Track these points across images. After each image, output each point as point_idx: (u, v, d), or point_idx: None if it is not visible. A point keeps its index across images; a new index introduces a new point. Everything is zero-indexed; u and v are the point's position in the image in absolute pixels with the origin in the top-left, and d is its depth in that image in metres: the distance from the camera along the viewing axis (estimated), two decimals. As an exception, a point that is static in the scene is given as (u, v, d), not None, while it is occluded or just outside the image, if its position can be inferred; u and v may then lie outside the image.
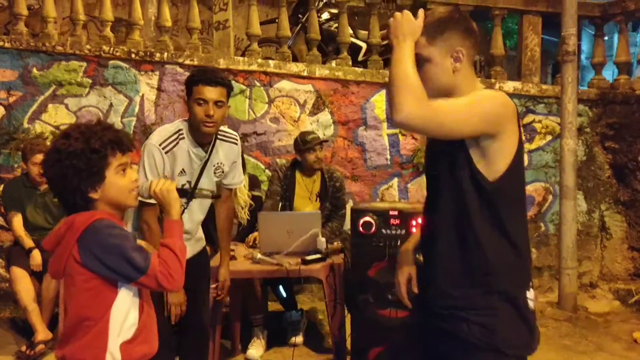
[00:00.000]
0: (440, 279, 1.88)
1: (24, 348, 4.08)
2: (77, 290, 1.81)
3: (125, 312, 1.84)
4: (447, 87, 1.83)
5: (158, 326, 2.85)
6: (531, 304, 1.86)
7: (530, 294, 1.86)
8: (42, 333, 4.06)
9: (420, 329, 2.01)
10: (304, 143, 4.33)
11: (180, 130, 2.86)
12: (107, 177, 1.84)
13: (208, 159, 2.92)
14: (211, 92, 2.76)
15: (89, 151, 1.80)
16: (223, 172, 3.01)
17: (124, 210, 1.99)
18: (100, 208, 1.86)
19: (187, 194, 2.12)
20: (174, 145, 2.81)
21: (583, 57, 11.99)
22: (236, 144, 3.07)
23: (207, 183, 2.94)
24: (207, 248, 3.30)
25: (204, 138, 2.86)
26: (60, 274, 1.85)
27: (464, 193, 1.80)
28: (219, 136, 2.97)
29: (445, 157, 1.84)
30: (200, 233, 3.15)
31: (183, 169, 2.85)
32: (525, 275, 1.89)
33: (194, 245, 3.03)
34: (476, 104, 1.76)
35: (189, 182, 2.87)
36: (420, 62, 1.80)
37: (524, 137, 2.23)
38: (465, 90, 1.83)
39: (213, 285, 3.28)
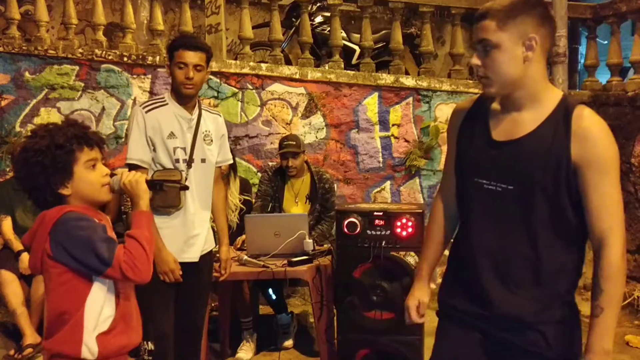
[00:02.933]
0: (513, 292, 1.81)
1: (12, 352, 4.08)
2: (53, 284, 1.84)
3: (100, 305, 1.85)
4: (515, 78, 1.71)
5: (164, 325, 2.89)
6: None
7: None
8: (31, 337, 4.05)
9: (477, 343, 1.90)
10: (279, 148, 4.41)
11: (162, 97, 3.06)
12: (75, 172, 1.84)
13: (198, 126, 3.02)
14: (191, 57, 2.90)
15: (54, 147, 1.81)
16: (212, 140, 3.10)
17: (98, 205, 1.99)
18: (72, 204, 1.87)
19: (156, 185, 2.11)
20: (156, 107, 2.96)
21: (583, 61, 11.92)
22: (220, 116, 3.24)
23: (201, 151, 3.04)
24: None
25: (185, 101, 3.00)
26: (38, 269, 1.87)
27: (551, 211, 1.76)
28: (203, 108, 3.12)
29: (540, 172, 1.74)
30: (210, 234, 3.17)
31: (172, 132, 2.95)
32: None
33: (203, 244, 3.09)
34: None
35: (184, 149, 2.97)
36: (488, 48, 1.70)
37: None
38: (535, 88, 1.73)
39: (216, 265, 3.31)
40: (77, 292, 1.83)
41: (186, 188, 2.76)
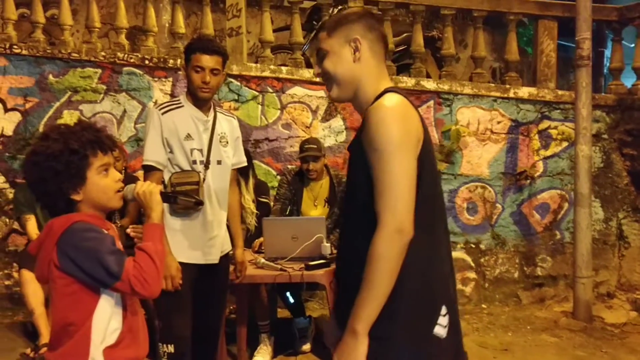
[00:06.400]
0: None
1: (28, 350, 4.12)
2: (59, 295, 1.79)
3: (107, 318, 1.81)
4: (349, 77, 1.84)
5: (182, 328, 2.88)
6: None
7: None
8: (47, 336, 4.08)
9: None
10: (300, 151, 4.40)
11: (178, 99, 3.08)
12: (88, 177, 1.81)
13: (214, 127, 3.05)
14: (208, 60, 2.92)
15: (68, 152, 1.76)
16: (227, 142, 3.12)
17: (108, 211, 1.96)
18: (83, 210, 1.83)
19: (170, 198, 2.10)
20: (172, 109, 2.98)
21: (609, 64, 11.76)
22: (234, 119, 3.26)
23: (218, 153, 3.06)
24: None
25: (201, 103, 3.02)
26: (44, 279, 1.83)
27: None
28: (218, 110, 3.14)
29: None
30: (227, 235, 3.19)
31: (189, 134, 2.97)
32: None
33: (221, 245, 3.11)
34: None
35: (201, 151, 2.99)
36: (323, 54, 1.87)
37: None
38: (368, 88, 1.83)
39: (231, 268, 3.32)
40: (84, 304, 1.78)
41: (201, 204, 2.76)
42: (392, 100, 1.72)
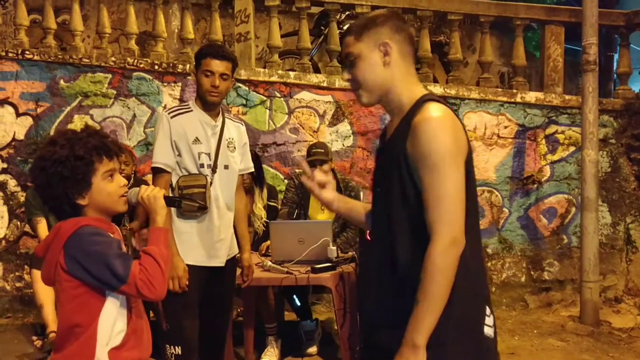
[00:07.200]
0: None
1: (34, 338, 4.21)
2: (66, 297, 1.82)
3: (113, 319, 1.84)
4: (379, 82, 1.81)
5: (189, 330, 2.91)
6: None
7: None
8: (54, 324, 4.10)
9: None
10: (307, 155, 4.44)
11: (187, 104, 3.14)
12: (93, 183, 1.84)
13: (222, 132, 3.09)
14: (218, 65, 2.97)
15: (73, 158, 1.79)
16: (235, 148, 3.16)
17: (114, 215, 1.98)
18: (89, 214, 1.86)
19: (175, 202, 2.13)
20: (181, 113, 3.03)
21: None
22: (242, 125, 3.31)
23: (225, 158, 3.09)
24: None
25: (210, 108, 3.07)
26: (51, 281, 1.86)
27: None
28: (226, 116, 3.19)
29: None
30: (233, 239, 3.22)
31: (197, 138, 3.01)
32: None
33: (228, 249, 3.14)
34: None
35: (208, 155, 3.03)
36: (352, 60, 1.83)
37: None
38: (398, 90, 1.81)
39: (238, 272, 3.35)
40: (90, 306, 1.81)
41: (205, 208, 2.79)
42: (439, 111, 1.70)
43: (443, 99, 1.80)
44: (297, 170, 5.33)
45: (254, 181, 4.46)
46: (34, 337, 4.25)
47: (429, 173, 1.66)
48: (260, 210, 4.47)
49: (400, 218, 1.75)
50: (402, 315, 1.69)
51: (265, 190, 4.59)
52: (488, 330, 1.75)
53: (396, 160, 1.74)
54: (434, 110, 1.70)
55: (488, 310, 1.77)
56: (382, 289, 1.82)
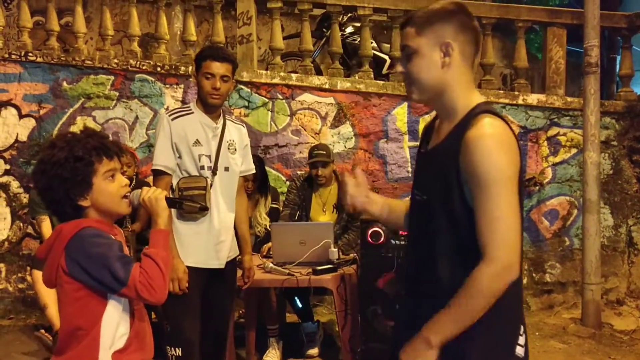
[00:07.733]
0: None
1: (42, 332, 4.26)
2: (68, 299, 1.81)
3: (116, 323, 1.84)
4: (433, 83, 1.70)
5: (190, 331, 2.91)
6: None
7: None
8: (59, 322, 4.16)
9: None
10: (309, 157, 4.45)
11: (188, 106, 3.14)
12: (94, 184, 1.83)
13: (223, 134, 3.09)
14: (218, 67, 2.98)
15: (72, 159, 1.79)
16: (236, 150, 3.17)
17: (116, 217, 1.98)
18: (91, 215, 1.86)
19: (176, 204, 2.13)
20: (181, 115, 3.04)
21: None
22: (243, 127, 3.31)
23: (226, 160, 3.10)
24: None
25: (211, 110, 3.07)
26: (52, 283, 1.85)
27: None
28: (227, 118, 3.20)
29: None
30: (234, 241, 3.23)
31: (197, 140, 3.02)
32: None
33: (228, 250, 3.14)
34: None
35: (209, 157, 3.04)
36: (409, 54, 1.71)
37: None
38: (454, 95, 1.71)
39: (239, 274, 3.36)
40: (92, 309, 1.80)
41: (205, 209, 2.80)
42: (495, 128, 1.61)
43: (496, 109, 1.72)
44: (298, 172, 5.35)
45: (258, 187, 4.48)
46: (42, 331, 4.25)
47: (483, 193, 1.58)
48: (264, 220, 4.49)
49: (444, 233, 1.68)
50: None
51: (269, 197, 4.60)
52: (519, 350, 1.70)
53: (445, 172, 1.66)
54: (490, 126, 1.61)
55: (522, 329, 1.73)
56: (422, 288, 1.77)
